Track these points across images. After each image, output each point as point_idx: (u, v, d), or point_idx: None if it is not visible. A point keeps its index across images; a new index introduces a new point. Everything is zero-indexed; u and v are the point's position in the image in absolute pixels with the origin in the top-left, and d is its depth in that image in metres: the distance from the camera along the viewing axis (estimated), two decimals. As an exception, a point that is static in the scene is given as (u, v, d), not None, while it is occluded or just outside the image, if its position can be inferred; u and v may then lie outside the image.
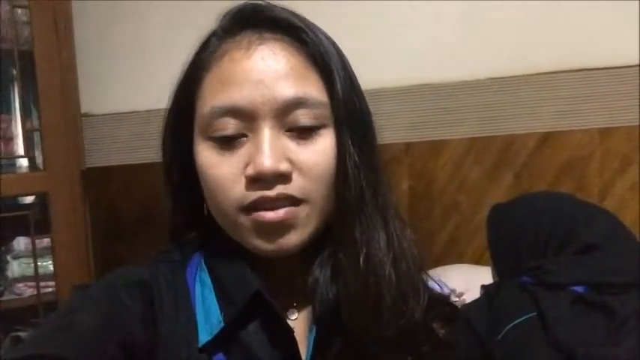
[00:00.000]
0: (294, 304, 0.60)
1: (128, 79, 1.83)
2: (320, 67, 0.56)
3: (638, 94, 1.52)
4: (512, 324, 0.92)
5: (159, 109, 1.87)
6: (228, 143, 0.54)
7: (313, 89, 0.55)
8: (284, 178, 0.53)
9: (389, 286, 0.55)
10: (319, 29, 0.59)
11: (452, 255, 1.60)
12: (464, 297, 1.21)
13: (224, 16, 0.59)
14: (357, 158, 0.55)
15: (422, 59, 1.65)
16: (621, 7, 1.50)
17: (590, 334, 0.86)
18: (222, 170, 0.54)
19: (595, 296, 0.90)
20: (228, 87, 0.54)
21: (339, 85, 0.56)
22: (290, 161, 0.54)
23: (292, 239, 0.55)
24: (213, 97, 0.55)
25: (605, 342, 0.85)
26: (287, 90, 0.53)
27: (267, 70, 0.54)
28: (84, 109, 1.84)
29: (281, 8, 0.58)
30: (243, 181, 0.54)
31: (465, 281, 1.30)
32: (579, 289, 0.91)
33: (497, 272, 1.09)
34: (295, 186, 0.54)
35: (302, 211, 0.54)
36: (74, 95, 1.79)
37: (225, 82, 0.54)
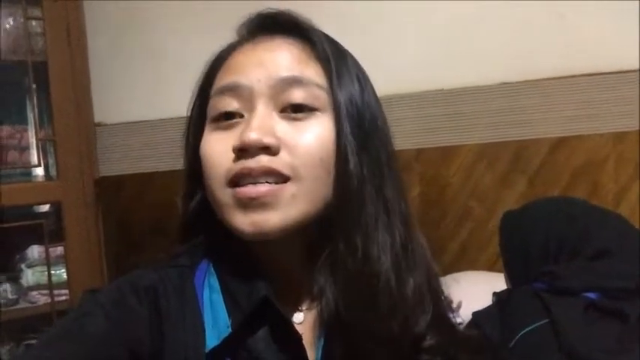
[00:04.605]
0: (300, 308, 0.59)
1: (141, 88, 1.85)
2: (323, 60, 0.57)
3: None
4: (524, 331, 0.91)
5: (171, 119, 1.90)
6: (226, 124, 0.56)
7: (312, 72, 0.56)
8: (269, 151, 0.53)
9: (387, 285, 0.54)
10: (338, 43, 0.61)
11: (465, 262, 1.59)
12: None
13: (240, 27, 0.63)
14: (357, 148, 0.55)
15: (433, 65, 1.64)
16: (631, 10, 1.49)
17: (603, 340, 0.85)
18: (215, 147, 0.56)
19: (608, 302, 0.89)
20: (232, 72, 0.57)
21: (344, 77, 0.57)
22: (278, 139, 0.54)
23: (272, 219, 0.53)
24: (219, 82, 0.58)
25: (619, 348, 0.83)
26: (284, 69, 0.56)
27: (270, 56, 0.57)
28: (97, 119, 1.86)
29: (293, 15, 0.60)
30: (232, 156, 0.54)
31: (477, 288, 1.29)
32: (592, 295, 0.90)
33: (509, 279, 1.08)
34: (281, 161, 0.54)
35: (287, 190, 0.54)
36: (87, 105, 1.81)
37: (231, 68, 0.58)
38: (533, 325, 0.90)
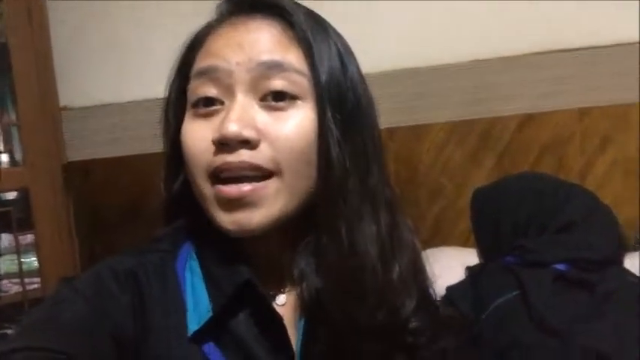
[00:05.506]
0: (282, 290, 0.59)
1: (106, 70, 1.80)
2: (304, 43, 0.56)
3: (614, 74, 1.54)
4: (496, 303, 0.94)
5: (139, 101, 1.85)
6: (205, 111, 0.55)
7: (293, 57, 0.55)
8: (249, 145, 0.52)
9: (374, 276, 0.54)
10: (319, 18, 0.59)
11: (438, 238, 1.61)
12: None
13: (218, 5, 0.60)
14: (339, 137, 0.54)
15: (403, 43, 1.64)
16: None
17: (571, 310, 0.88)
18: (196, 137, 0.55)
19: (575, 273, 0.92)
20: (211, 54, 0.56)
21: (325, 59, 0.55)
22: (258, 131, 0.53)
23: (255, 217, 0.53)
24: (198, 65, 0.56)
25: (586, 318, 0.86)
26: (264, 53, 0.54)
27: (248, 39, 0.55)
28: (62, 103, 1.81)
29: None
30: (212, 148, 0.53)
31: (451, 264, 1.32)
32: (561, 266, 0.93)
33: (481, 254, 1.11)
34: (262, 156, 0.53)
35: (270, 186, 0.53)
36: (51, 88, 1.76)
37: (209, 51, 0.56)
38: (505, 297, 0.93)
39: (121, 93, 1.78)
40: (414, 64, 1.63)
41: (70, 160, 1.81)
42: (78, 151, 1.82)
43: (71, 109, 1.82)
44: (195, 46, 0.59)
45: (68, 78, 1.80)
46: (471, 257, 1.17)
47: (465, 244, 1.56)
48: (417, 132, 1.64)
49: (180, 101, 0.59)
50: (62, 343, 0.47)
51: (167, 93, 0.61)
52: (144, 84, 1.78)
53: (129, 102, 1.77)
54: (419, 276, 0.60)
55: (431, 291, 0.62)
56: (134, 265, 0.56)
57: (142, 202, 1.74)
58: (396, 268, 0.56)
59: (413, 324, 0.56)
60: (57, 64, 1.78)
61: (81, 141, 1.82)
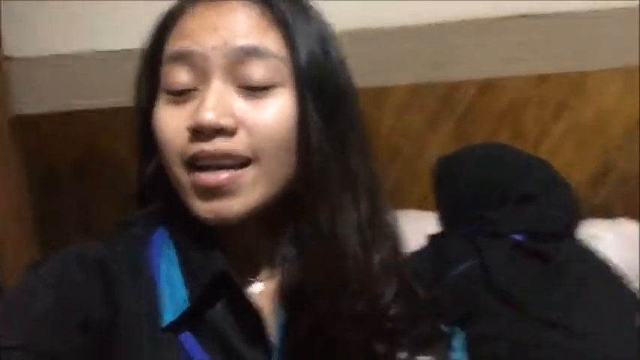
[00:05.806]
0: (259, 277, 0.59)
1: (56, 17, 1.69)
2: (283, 26, 0.53)
3: (574, 40, 1.57)
4: (455, 271, 0.97)
5: (90, 51, 1.73)
6: (180, 96, 0.53)
7: (270, 42, 0.53)
8: (226, 133, 0.51)
9: (355, 264, 0.54)
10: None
11: (395, 201, 1.63)
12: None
13: None
14: (320, 123, 0.53)
15: (362, 4, 1.61)
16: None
17: (527, 280, 0.92)
18: (169, 123, 0.53)
19: (532, 244, 0.96)
20: (185, 36, 0.53)
21: (303, 46, 0.53)
22: (236, 118, 0.51)
23: (233, 206, 0.52)
24: (171, 48, 0.54)
25: (541, 288, 0.91)
26: (241, 38, 0.52)
27: (224, 21, 0.52)
28: (6, 52, 1.70)
29: None
30: (187, 135, 0.52)
31: (409, 228, 1.34)
32: (519, 237, 0.97)
33: (442, 222, 1.14)
34: (240, 143, 0.51)
35: (248, 174, 0.52)
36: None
37: (182, 33, 0.54)
38: (464, 265, 0.97)
39: (71, 42, 1.68)
40: (376, 24, 1.61)
41: (17, 114, 1.71)
42: (25, 105, 1.72)
43: (16, 58, 1.71)
44: (168, 24, 0.56)
45: (12, 24, 1.69)
46: (429, 221, 1.19)
47: (421, 206, 1.60)
48: (377, 94, 1.64)
49: (151, 79, 0.56)
50: (31, 337, 0.46)
51: (138, 69, 0.58)
52: (97, 33, 1.69)
53: (79, 52, 1.67)
54: (399, 261, 0.59)
55: (409, 275, 0.63)
56: (104, 253, 0.55)
57: (94, 158, 1.68)
58: (377, 256, 0.56)
59: (392, 311, 0.57)
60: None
61: (28, 93, 1.72)
